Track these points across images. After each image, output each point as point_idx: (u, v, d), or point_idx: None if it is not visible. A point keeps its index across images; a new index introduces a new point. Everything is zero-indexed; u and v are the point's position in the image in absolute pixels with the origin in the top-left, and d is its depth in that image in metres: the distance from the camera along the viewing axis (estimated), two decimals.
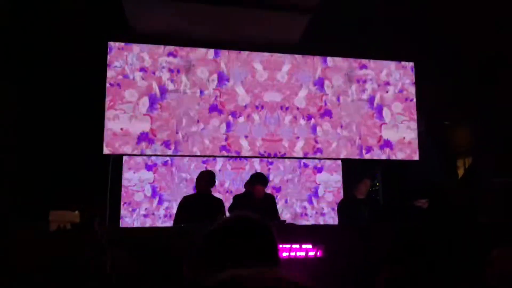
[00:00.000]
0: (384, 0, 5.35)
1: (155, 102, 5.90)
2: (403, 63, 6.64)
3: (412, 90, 6.60)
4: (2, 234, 3.02)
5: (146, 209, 6.04)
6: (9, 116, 5.20)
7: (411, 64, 6.66)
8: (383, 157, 6.41)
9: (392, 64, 6.62)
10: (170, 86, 5.95)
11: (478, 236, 3.67)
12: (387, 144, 6.44)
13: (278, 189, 6.42)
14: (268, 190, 5.23)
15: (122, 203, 5.95)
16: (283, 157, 6.26)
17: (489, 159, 6.31)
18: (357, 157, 6.36)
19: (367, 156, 6.37)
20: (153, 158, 6.12)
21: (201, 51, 6.08)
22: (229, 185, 6.28)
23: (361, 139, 6.38)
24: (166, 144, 5.86)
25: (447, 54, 6.03)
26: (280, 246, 3.79)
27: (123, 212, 5.95)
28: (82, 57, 5.52)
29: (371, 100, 6.48)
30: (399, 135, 6.48)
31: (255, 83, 6.21)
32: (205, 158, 6.21)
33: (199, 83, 6.04)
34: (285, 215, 6.20)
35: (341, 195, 6.50)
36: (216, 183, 4.95)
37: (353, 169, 6.50)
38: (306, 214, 6.50)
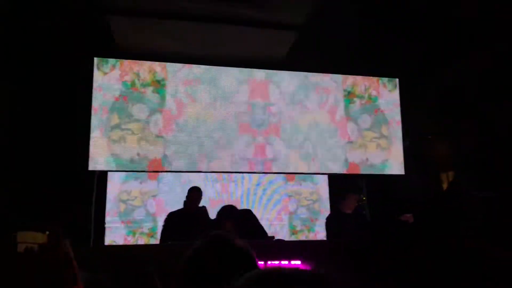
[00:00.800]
0: (369, 17, 5.44)
1: None
2: (387, 79, 6.75)
3: (396, 105, 6.70)
4: None
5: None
6: None
7: (396, 80, 6.78)
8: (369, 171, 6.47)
9: (376, 80, 6.72)
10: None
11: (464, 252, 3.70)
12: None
13: None
14: None
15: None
16: (273, 172, 6.26)
17: (472, 173, 6.40)
18: (343, 172, 6.40)
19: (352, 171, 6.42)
20: None
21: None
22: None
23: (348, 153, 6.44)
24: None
25: (430, 69, 6.16)
26: (269, 262, 3.75)
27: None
28: (67, 71, 5.48)
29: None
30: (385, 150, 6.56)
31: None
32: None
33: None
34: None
35: None
36: None
37: (338, 184, 6.55)
38: None
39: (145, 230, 6.12)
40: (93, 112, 5.61)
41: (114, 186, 6.17)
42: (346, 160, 6.38)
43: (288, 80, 6.33)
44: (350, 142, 6.43)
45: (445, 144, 7.12)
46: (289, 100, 6.31)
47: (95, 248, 4.99)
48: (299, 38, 5.66)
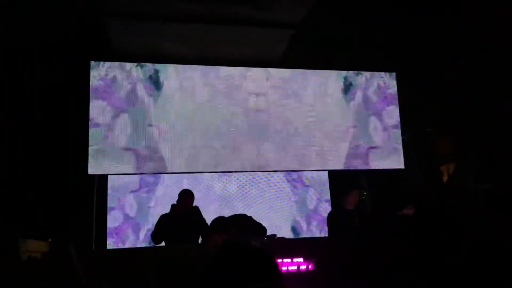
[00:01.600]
0: (365, 13, 5.43)
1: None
2: (385, 73, 6.75)
3: (395, 99, 6.71)
4: None
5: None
6: None
7: (393, 74, 6.77)
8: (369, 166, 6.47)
9: (374, 74, 6.72)
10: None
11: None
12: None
13: None
14: None
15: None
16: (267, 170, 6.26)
17: (472, 165, 6.40)
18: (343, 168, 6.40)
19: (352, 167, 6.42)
20: None
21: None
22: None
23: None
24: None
25: (428, 62, 6.15)
26: None
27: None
28: (64, 76, 5.49)
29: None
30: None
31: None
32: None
33: None
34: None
35: None
36: None
37: (339, 180, 6.55)
38: None
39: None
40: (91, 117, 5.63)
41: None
42: (346, 155, 6.38)
43: (286, 76, 6.34)
44: (351, 137, 6.44)
45: (445, 137, 7.12)
46: (288, 95, 6.32)
47: (97, 252, 4.99)
48: (296, 36, 5.65)
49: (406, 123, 6.69)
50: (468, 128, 6.37)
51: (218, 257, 1.28)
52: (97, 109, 5.67)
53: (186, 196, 4.82)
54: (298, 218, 6.62)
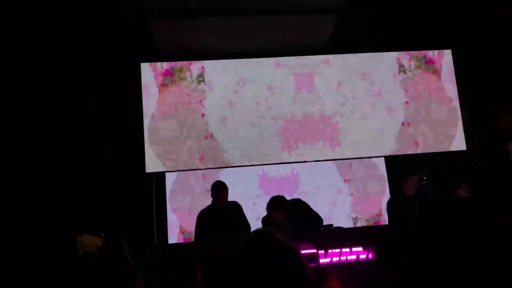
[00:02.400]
0: None
1: None
2: (440, 51, 6.44)
3: (452, 77, 6.39)
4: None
5: None
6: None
7: (449, 51, 6.44)
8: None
9: (429, 53, 6.43)
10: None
11: None
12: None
13: None
14: None
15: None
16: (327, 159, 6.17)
17: None
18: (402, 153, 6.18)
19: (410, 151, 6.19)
20: None
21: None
22: None
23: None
24: None
25: (484, 38, 5.79)
26: (329, 251, 3.67)
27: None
28: (116, 80, 5.66)
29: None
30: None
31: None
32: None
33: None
34: None
35: None
36: None
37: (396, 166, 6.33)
38: None
39: None
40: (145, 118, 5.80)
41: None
42: (403, 140, 6.17)
43: (333, 69, 6.22)
44: (407, 121, 6.21)
45: (509, 113, 6.69)
46: (336, 86, 6.19)
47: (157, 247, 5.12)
48: (341, 21, 5.50)
49: (466, 101, 6.35)
50: None
51: (244, 247, 1.24)
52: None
53: (217, 188, 4.57)
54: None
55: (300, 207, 4.67)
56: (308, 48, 6.16)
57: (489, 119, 6.61)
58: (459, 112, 6.32)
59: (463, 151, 6.24)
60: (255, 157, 5.94)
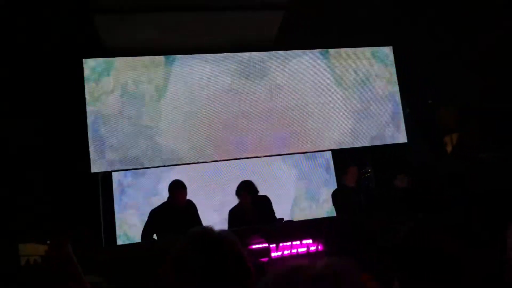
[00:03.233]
0: None
1: None
2: (381, 48, 6.68)
3: (393, 74, 6.65)
4: None
5: None
6: None
7: (390, 48, 6.70)
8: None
9: (369, 50, 6.65)
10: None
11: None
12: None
13: None
14: None
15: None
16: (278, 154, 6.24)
17: (474, 134, 6.37)
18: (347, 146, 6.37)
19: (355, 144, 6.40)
20: None
21: None
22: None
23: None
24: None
25: (423, 35, 6.06)
26: (281, 244, 3.73)
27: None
28: (58, 75, 5.43)
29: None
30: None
31: None
32: None
33: None
34: None
35: None
36: None
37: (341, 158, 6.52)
38: None
39: None
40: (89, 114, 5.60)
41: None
42: (348, 133, 6.35)
43: (283, 61, 6.29)
44: (349, 114, 6.40)
45: (447, 108, 7.06)
46: (289, 78, 6.28)
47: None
48: (287, 17, 5.57)
49: (407, 96, 6.64)
50: (470, 98, 6.30)
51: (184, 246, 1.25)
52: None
53: (176, 188, 4.48)
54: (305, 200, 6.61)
55: (266, 204, 4.76)
56: (255, 44, 6.19)
57: (428, 113, 6.96)
58: (400, 107, 6.60)
59: (404, 143, 6.53)
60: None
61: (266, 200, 4.84)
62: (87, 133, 5.54)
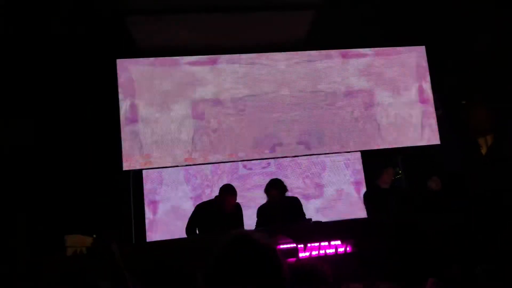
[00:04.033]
0: None
1: None
2: (414, 47, 6.56)
3: (425, 74, 6.53)
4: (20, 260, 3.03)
5: None
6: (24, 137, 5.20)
7: (423, 47, 6.57)
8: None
9: (403, 49, 6.54)
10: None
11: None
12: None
13: None
14: None
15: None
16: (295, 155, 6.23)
17: (510, 135, 6.18)
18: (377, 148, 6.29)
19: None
20: None
21: None
22: None
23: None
24: None
25: (457, 34, 5.93)
26: (309, 245, 3.70)
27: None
28: (92, 76, 5.58)
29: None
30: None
31: None
32: None
33: None
34: None
35: None
36: None
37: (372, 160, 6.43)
38: None
39: None
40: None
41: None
42: (379, 135, 6.27)
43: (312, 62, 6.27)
44: (383, 116, 6.33)
45: (481, 108, 6.88)
46: (315, 81, 6.25)
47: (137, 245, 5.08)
48: (319, 17, 5.55)
49: (439, 97, 6.50)
50: (504, 98, 6.12)
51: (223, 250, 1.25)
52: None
53: (227, 193, 4.52)
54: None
55: (295, 206, 4.76)
56: (285, 44, 6.19)
57: (462, 114, 6.79)
58: (433, 108, 6.47)
59: (437, 145, 6.39)
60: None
61: (296, 201, 4.83)
62: (120, 130, 5.68)
